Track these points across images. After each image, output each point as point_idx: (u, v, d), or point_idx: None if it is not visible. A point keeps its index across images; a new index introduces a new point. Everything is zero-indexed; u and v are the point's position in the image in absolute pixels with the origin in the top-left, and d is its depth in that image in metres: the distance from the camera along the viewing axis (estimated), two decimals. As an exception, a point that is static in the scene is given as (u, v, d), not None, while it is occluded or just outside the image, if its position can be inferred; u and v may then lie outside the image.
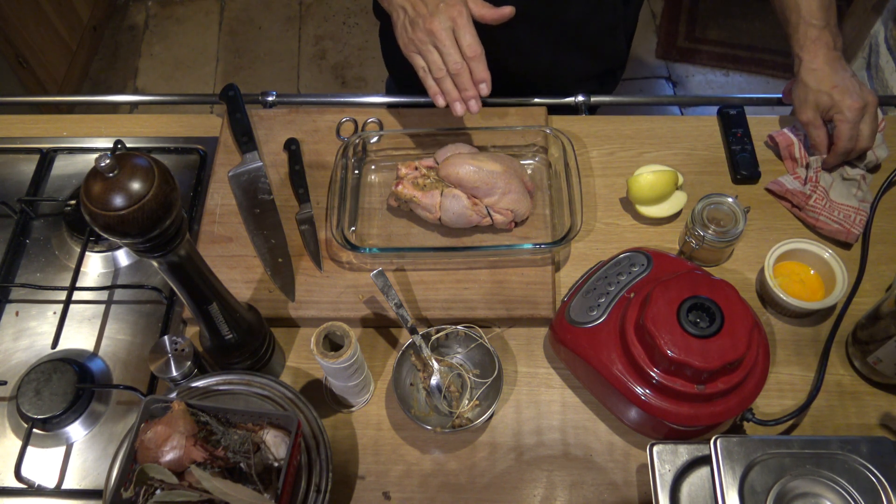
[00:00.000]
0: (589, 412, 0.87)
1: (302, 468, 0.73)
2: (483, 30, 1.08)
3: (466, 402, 0.85)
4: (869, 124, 0.94)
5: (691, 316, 0.75)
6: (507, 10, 0.90)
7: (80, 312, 0.95)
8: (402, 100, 1.16)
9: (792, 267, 0.93)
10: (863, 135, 0.94)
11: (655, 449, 0.74)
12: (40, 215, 1.05)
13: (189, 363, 0.80)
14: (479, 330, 0.85)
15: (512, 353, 0.91)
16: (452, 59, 0.87)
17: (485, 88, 0.89)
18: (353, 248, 0.91)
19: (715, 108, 1.10)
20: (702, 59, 2.55)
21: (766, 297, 0.92)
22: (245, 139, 1.03)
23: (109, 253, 1.00)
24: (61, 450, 0.86)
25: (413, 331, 0.84)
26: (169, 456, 0.67)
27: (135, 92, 2.58)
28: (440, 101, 0.90)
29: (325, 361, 0.75)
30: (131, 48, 2.70)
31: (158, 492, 0.66)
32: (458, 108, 0.89)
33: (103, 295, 0.97)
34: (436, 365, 0.85)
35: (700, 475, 0.73)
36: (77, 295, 0.95)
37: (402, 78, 1.27)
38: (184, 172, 1.08)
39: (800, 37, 0.96)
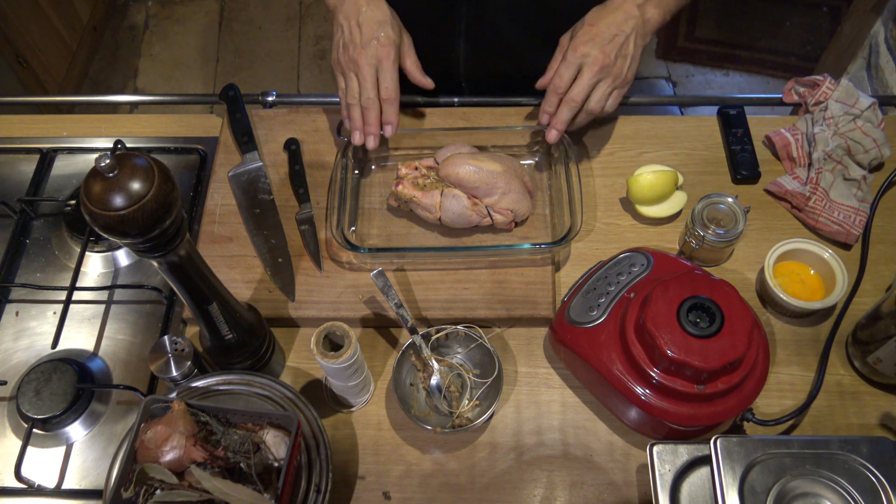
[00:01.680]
0: (589, 412, 0.87)
1: (302, 468, 0.73)
2: (472, 33, 1.08)
3: (466, 402, 0.85)
4: (599, 87, 0.89)
5: (691, 316, 0.75)
6: (429, 84, 0.97)
7: (80, 312, 0.95)
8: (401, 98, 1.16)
9: (792, 267, 0.93)
10: (578, 88, 0.88)
11: (655, 449, 0.74)
12: (40, 215, 1.05)
13: (189, 363, 0.80)
14: (479, 330, 0.85)
15: (512, 353, 0.91)
16: (366, 95, 0.92)
17: (389, 130, 0.94)
18: (353, 248, 0.91)
19: (715, 108, 1.10)
20: (702, 59, 2.55)
21: (766, 297, 0.92)
22: (245, 139, 1.03)
23: (109, 253, 1.00)
24: (61, 450, 0.86)
25: (413, 331, 0.84)
26: (169, 456, 0.67)
27: (135, 92, 2.58)
28: (346, 123, 0.96)
29: (325, 361, 0.75)
30: (131, 48, 2.70)
31: (158, 492, 0.66)
32: (357, 138, 0.94)
33: (103, 295, 0.97)
34: (436, 365, 0.85)
35: (700, 475, 0.73)
36: (77, 295, 0.95)
37: None
38: (184, 172, 1.08)
39: None
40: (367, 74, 0.91)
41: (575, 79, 0.90)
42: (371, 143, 0.94)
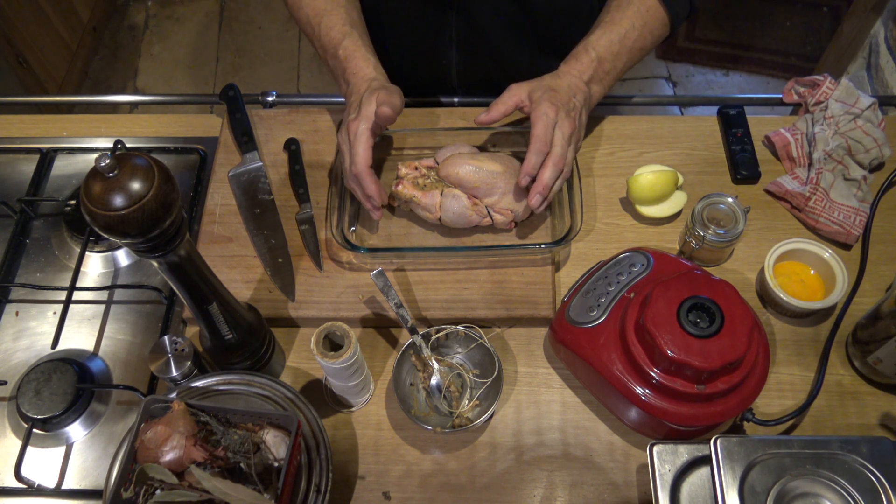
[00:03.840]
0: (589, 412, 0.87)
1: (302, 468, 0.73)
2: (463, 40, 1.09)
3: (466, 402, 0.85)
4: (569, 151, 0.87)
5: (691, 316, 0.75)
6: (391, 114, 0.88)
7: (80, 312, 0.95)
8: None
9: (792, 267, 0.93)
10: (559, 149, 0.86)
11: (655, 449, 0.74)
12: (40, 215, 1.05)
13: (189, 363, 0.80)
14: (479, 330, 0.85)
15: (512, 353, 0.91)
16: (346, 166, 0.90)
17: (371, 203, 0.90)
18: (353, 248, 0.91)
19: (715, 108, 1.10)
20: (702, 59, 2.55)
21: (766, 297, 0.92)
22: (245, 139, 1.03)
23: (109, 253, 1.00)
24: (61, 450, 0.86)
25: (413, 331, 0.84)
26: (169, 456, 0.67)
27: (135, 92, 2.58)
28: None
29: (325, 361, 0.75)
30: (131, 48, 2.70)
31: (158, 492, 0.66)
32: (366, 204, 0.90)
33: (103, 295, 0.97)
34: (436, 365, 0.85)
35: (700, 475, 0.73)
36: (77, 295, 0.95)
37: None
38: (184, 172, 1.08)
39: (574, 52, 0.93)
40: (347, 146, 0.89)
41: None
42: (373, 214, 0.91)
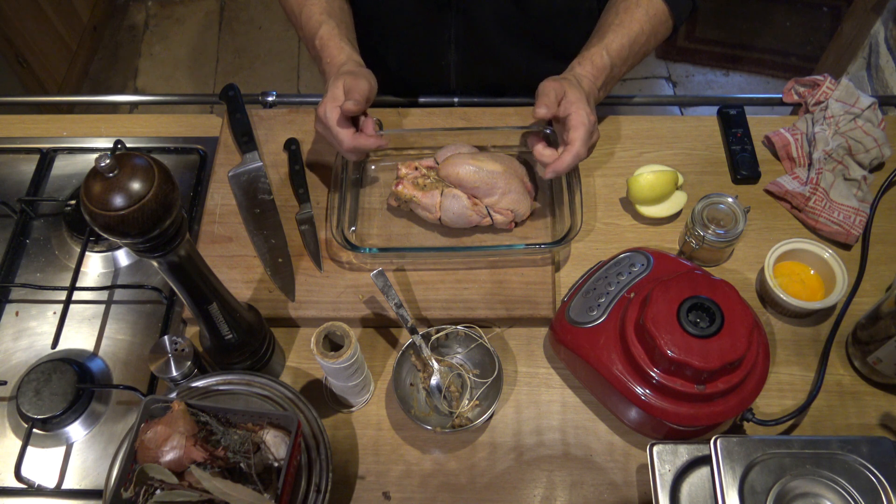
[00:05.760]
0: (589, 412, 0.87)
1: (302, 468, 0.73)
2: (462, 41, 1.09)
3: (466, 402, 0.85)
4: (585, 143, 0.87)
5: (691, 316, 0.75)
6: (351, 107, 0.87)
7: (80, 312, 0.95)
8: (402, 99, 1.16)
9: (792, 267, 0.93)
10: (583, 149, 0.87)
11: (655, 449, 0.74)
12: (40, 215, 1.05)
13: (189, 363, 0.80)
14: (479, 330, 0.85)
15: (512, 353, 0.91)
16: (339, 148, 0.91)
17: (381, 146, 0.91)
18: (353, 248, 0.91)
19: (715, 108, 1.10)
20: (702, 59, 2.55)
21: (766, 297, 0.92)
22: (245, 139, 1.03)
23: (109, 253, 1.00)
24: (61, 450, 0.86)
25: (413, 331, 0.84)
26: (169, 456, 0.67)
27: (135, 92, 2.58)
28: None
29: (325, 361, 0.75)
30: (131, 48, 2.70)
31: (158, 492, 0.66)
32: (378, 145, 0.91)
33: (103, 295, 0.97)
34: (436, 365, 0.85)
35: (700, 475, 0.73)
36: (77, 295, 0.95)
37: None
38: (184, 172, 1.08)
39: (588, 54, 0.93)
40: (329, 137, 0.91)
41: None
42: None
